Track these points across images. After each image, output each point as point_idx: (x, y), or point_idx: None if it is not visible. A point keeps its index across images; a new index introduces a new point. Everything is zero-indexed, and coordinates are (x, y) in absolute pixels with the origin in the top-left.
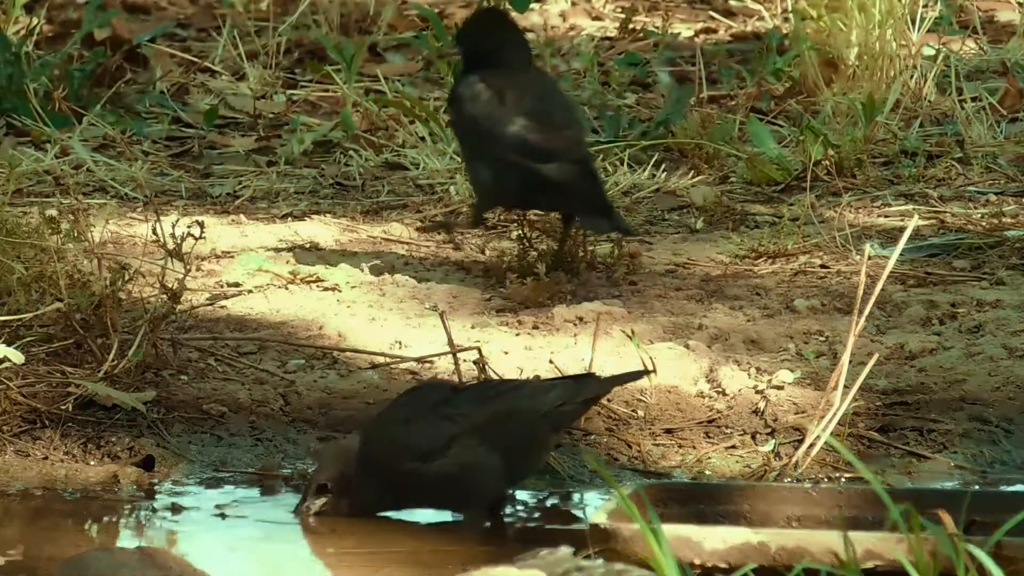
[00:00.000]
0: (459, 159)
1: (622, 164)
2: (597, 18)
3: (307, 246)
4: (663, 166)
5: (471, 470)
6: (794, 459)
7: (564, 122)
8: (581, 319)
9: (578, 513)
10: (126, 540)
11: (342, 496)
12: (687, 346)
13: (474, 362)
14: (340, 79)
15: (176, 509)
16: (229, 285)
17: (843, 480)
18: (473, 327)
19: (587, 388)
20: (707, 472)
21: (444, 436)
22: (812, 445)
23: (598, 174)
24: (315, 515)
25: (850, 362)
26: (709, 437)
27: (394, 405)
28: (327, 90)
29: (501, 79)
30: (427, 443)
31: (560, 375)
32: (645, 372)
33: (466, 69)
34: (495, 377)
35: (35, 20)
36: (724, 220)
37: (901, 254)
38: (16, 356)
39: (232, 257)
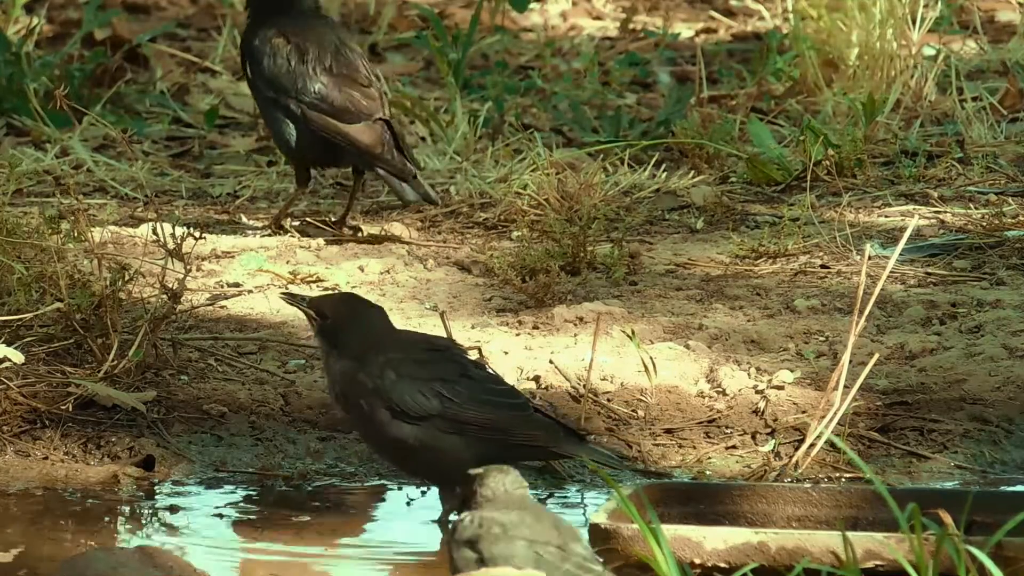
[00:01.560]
0: (460, 158)
1: (622, 164)
2: (597, 18)
3: (307, 246)
4: (663, 166)
5: (431, 450)
6: (794, 459)
7: (367, 79)
8: (581, 319)
9: (578, 513)
10: (126, 540)
11: (327, 336)
12: (687, 346)
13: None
14: None
15: (176, 509)
16: (229, 285)
17: (843, 480)
18: (473, 327)
19: (567, 445)
20: (707, 472)
21: (423, 411)
22: (812, 445)
23: (402, 134)
24: (291, 301)
25: (850, 362)
26: (709, 437)
27: (413, 349)
28: None
29: (297, 31)
30: (408, 406)
31: (556, 418)
32: (622, 460)
33: (257, 19)
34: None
35: (35, 20)
36: (724, 220)
37: (901, 254)
38: (16, 356)
39: (232, 257)
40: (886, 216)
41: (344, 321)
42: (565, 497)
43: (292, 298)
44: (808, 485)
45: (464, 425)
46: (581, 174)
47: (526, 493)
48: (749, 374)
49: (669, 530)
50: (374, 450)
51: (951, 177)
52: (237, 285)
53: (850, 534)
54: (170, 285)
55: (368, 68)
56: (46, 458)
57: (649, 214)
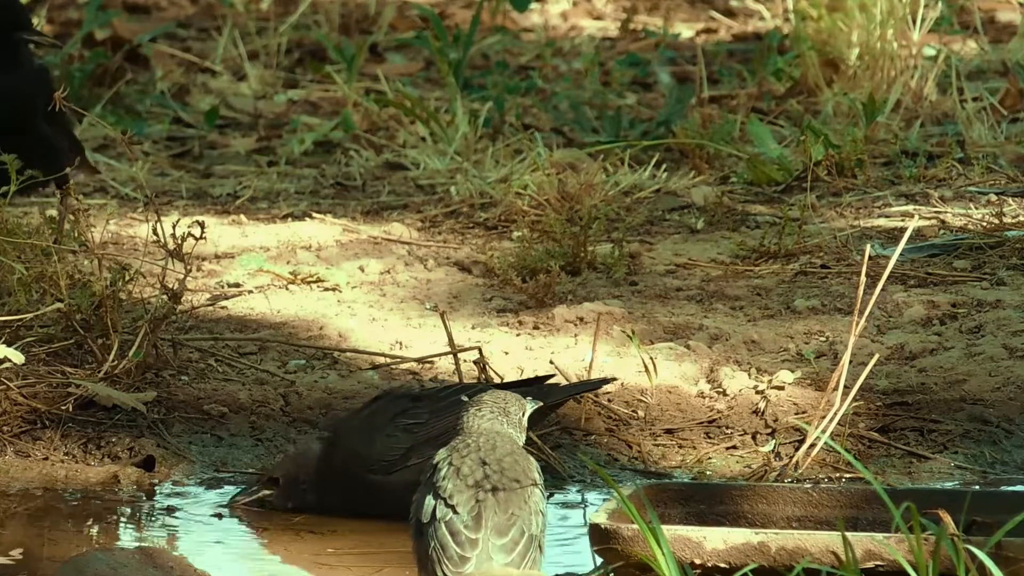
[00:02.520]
0: (460, 158)
1: (623, 164)
2: (598, 18)
3: (308, 246)
4: (664, 166)
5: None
6: (794, 459)
7: None
8: (581, 319)
9: (578, 513)
10: (126, 540)
11: (290, 495)
12: (687, 346)
13: (475, 362)
14: (341, 79)
15: (176, 509)
16: (230, 285)
17: (843, 480)
18: (474, 327)
19: (548, 396)
20: (708, 472)
21: (403, 448)
22: (812, 445)
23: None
24: (247, 503)
25: (850, 362)
26: (709, 437)
27: (358, 416)
28: (327, 90)
29: None
30: (389, 455)
31: (519, 380)
32: (604, 381)
33: None
34: (475, 380)
35: (35, 20)
36: (725, 220)
37: (902, 254)
38: (16, 356)
39: (233, 257)
40: (886, 216)
41: (297, 472)
42: (565, 497)
43: (242, 492)
44: (808, 485)
45: (441, 437)
46: (581, 174)
47: (494, 425)
48: (749, 374)
49: (669, 530)
50: (395, 512)
51: (951, 177)
52: (237, 285)
53: (850, 534)
54: (170, 285)
55: None
56: (46, 458)
57: (649, 214)
